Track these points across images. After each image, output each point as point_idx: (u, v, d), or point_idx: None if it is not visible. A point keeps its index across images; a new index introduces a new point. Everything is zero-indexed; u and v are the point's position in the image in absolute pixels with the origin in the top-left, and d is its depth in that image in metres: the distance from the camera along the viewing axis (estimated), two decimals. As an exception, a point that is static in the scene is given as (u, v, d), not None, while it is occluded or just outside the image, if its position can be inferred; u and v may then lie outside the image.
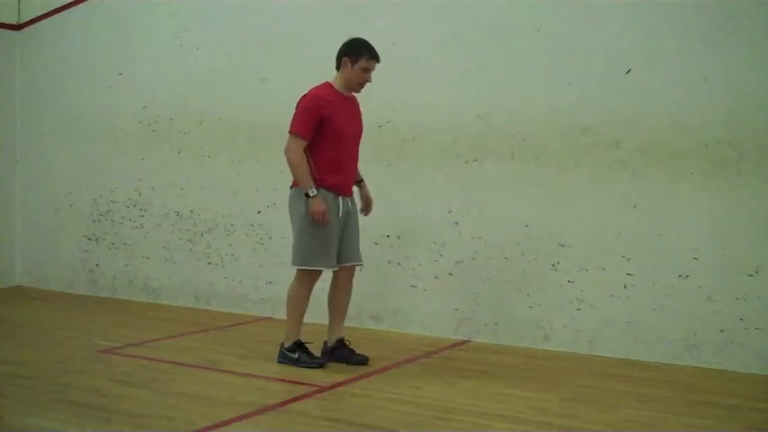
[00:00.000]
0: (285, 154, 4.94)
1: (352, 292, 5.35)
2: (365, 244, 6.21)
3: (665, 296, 5.33)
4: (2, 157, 8.02)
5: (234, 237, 6.96)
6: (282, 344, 5.17)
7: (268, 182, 6.58)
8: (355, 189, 5.29)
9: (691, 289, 5.25)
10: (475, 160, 5.94)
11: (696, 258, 5.24)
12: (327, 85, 5.04)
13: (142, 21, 7.42)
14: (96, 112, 7.63)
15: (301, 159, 4.90)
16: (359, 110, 5.21)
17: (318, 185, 4.93)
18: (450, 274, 6.04)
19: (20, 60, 8.06)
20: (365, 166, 6.19)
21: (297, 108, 5.00)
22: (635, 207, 5.42)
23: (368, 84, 5.07)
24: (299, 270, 5.09)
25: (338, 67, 5.05)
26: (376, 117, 6.21)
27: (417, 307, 6.17)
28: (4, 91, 8.01)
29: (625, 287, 5.45)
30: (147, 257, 7.39)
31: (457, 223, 6.01)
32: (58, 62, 7.87)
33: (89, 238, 7.72)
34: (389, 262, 6.23)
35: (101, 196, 7.65)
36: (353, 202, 5.19)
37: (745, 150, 5.12)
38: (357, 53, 4.96)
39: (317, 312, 6.40)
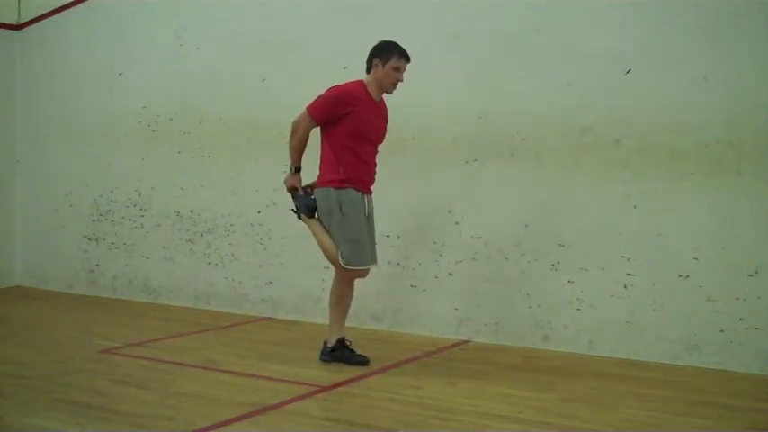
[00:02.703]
0: (292, 125, 5.06)
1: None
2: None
3: (665, 296, 5.33)
4: (2, 157, 8.03)
5: (234, 237, 6.96)
6: (326, 343, 5.22)
7: (268, 182, 6.57)
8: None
9: (691, 289, 5.25)
10: (475, 160, 5.94)
11: (696, 258, 5.24)
12: (360, 84, 5.08)
13: (142, 21, 7.42)
14: (96, 112, 7.63)
15: (302, 139, 5.04)
16: (386, 116, 5.26)
17: (348, 183, 5.00)
18: (450, 274, 6.04)
19: (20, 60, 8.06)
20: (365, 166, 6.21)
21: (325, 92, 5.04)
22: (635, 207, 5.42)
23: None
24: (339, 268, 5.09)
25: (368, 70, 5.09)
26: (376, 117, 6.22)
27: (417, 307, 6.17)
28: (4, 91, 8.01)
29: (625, 287, 5.45)
30: (147, 257, 7.39)
31: (457, 223, 6.01)
32: (58, 62, 7.88)
33: (89, 238, 7.72)
34: (389, 262, 6.22)
35: (101, 196, 7.65)
36: (372, 202, 5.21)
37: (745, 150, 5.12)
38: (388, 53, 5.03)
39: (318, 312, 6.41)
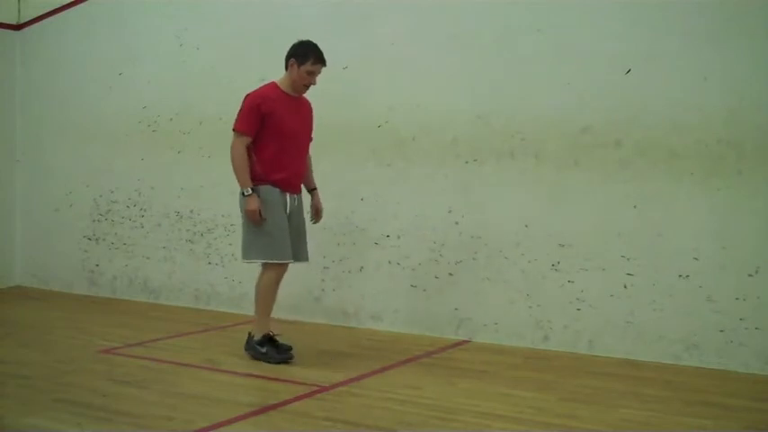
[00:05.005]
0: (230, 152, 5.08)
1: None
2: (365, 244, 6.25)
3: (665, 296, 5.33)
4: (2, 157, 8.02)
5: (234, 237, 6.93)
6: (252, 336, 5.24)
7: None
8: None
9: (691, 289, 5.25)
10: (475, 160, 5.94)
11: (696, 258, 5.24)
12: (273, 85, 5.17)
13: (142, 21, 7.42)
14: (96, 112, 7.63)
15: (242, 157, 5.04)
16: (309, 113, 5.30)
17: (264, 181, 5.05)
18: (450, 274, 6.04)
19: (20, 60, 8.06)
20: (365, 166, 6.24)
21: (242, 105, 5.12)
22: (635, 207, 5.42)
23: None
24: (264, 264, 5.16)
25: (286, 68, 5.15)
26: (375, 117, 6.22)
27: (417, 307, 6.16)
28: (4, 91, 8.01)
29: (625, 287, 5.45)
30: (147, 257, 7.39)
31: (457, 223, 6.01)
32: (58, 62, 7.87)
33: (89, 238, 7.72)
34: (389, 262, 6.23)
35: (101, 196, 7.65)
36: (300, 201, 5.25)
37: (745, 150, 5.12)
38: (304, 56, 5.08)
39: (318, 312, 6.41)
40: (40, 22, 7.95)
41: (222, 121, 6.94)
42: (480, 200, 5.93)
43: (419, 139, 6.12)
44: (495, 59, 5.86)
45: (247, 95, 5.13)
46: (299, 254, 5.25)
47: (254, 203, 5.00)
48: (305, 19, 6.53)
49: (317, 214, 5.45)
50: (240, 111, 5.10)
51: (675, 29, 5.30)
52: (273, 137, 5.05)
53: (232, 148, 5.07)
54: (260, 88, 5.15)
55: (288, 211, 5.13)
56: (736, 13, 5.15)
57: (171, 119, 7.23)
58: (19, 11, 8.03)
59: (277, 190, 5.08)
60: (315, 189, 5.47)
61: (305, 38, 5.16)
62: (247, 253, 5.16)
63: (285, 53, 6.04)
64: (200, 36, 7.10)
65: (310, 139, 5.33)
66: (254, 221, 5.01)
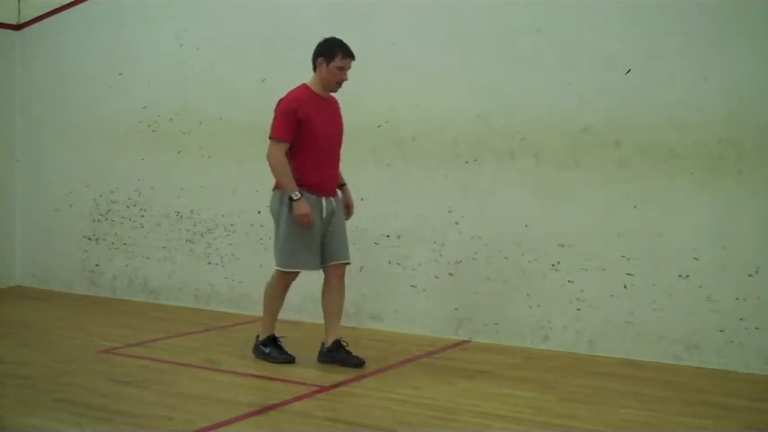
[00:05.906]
0: (267, 159, 4.98)
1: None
2: (365, 244, 6.25)
3: (665, 296, 5.33)
4: (2, 157, 8.02)
5: (234, 237, 6.96)
6: (258, 337, 5.29)
7: (268, 182, 6.52)
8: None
9: (691, 289, 5.25)
10: (475, 160, 5.94)
11: (696, 258, 5.24)
12: (304, 87, 5.06)
13: (142, 21, 7.42)
14: (96, 112, 7.63)
15: (284, 163, 4.95)
16: (338, 111, 5.22)
17: (299, 186, 4.95)
18: (451, 274, 6.04)
19: (20, 60, 8.06)
20: (365, 166, 6.24)
21: (275, 112, 5.02)
22: (635, 207, 5.42)
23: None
24: (277, 270, 5.14)
25: (315, 68, 5.07)
26: (375, 117, 6.22)
27: (417, 307, 6.16)
28: (4, 91, 8.01)
29: (625, 287, 5.45)
30: (147, 257, 7.39)
31: (457, 223, 6.01)
32: (58, 62, 7.87)
33: (89, 238, 7.72)
34: (389, 262, 6.23)
35: (101, 196, 7.65)
36: (338, 202, 5.20)
37: (744, 150, 5.12)
38: (332, 52, 4.99)
39: (318, 313, 6.41)
40: (40, 22, 7.95)
41: (222, 121, 6.98)
42: (480, 200, 5.93)
43: (419, 139, 6.12)
44: (495, 59, 5.87)
45: (280, 100, 5.01)
46: (343, 255, 5.16)
47: (305, 207, 4.89)
48: (305, 19, 6.54)
49: (348, 209, 5.31)
50: (275, 117, 4.98)
51: (675, 29, 5.31)
52: (309, 141, 4.96)
53: (270, 156, 4.95)
54: (292, 92, 5.03)
55: (324, 215, 5.05)
56: (736, 13, 5.15)
57: (171, 119, 7.23)
58: (19, 11, 8.03)
59: (313, 196, 4.99)
60: (344, 185, 5.32)
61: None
62: (285, 261, 5.06)
63: (285, 53, 6.10)
64: (200, 36, 7.10)
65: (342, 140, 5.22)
66: (307, 225, 4.92)
